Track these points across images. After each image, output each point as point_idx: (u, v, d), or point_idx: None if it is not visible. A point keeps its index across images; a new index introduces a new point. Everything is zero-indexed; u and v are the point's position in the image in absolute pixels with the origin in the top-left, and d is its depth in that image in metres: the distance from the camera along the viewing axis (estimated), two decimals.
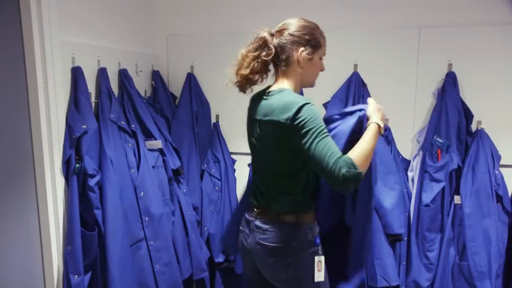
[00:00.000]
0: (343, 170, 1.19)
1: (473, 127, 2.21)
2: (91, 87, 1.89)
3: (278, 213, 1.43)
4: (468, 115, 2.17)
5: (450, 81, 2.17)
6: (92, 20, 1.96)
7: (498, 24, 2.14)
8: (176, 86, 2.58)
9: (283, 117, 1.29)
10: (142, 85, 2.38)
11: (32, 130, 1.65)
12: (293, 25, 1.40)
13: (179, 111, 2.46)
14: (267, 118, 1.36)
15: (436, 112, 2.19)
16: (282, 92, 1.37)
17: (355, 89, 2.25)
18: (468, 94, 2.20)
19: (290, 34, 1.39)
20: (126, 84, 2.09)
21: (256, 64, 1.39)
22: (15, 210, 1.61)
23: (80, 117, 1.73)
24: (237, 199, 2.52)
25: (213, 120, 2.59)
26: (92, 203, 1.71)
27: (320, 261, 1.42)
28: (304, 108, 1.27)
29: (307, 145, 1.24)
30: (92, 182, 1.70)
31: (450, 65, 2.20)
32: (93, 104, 1.87)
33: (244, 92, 1.46)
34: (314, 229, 1.45)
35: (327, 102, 2.31)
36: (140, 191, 1.93)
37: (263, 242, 1.43)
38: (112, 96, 1.95)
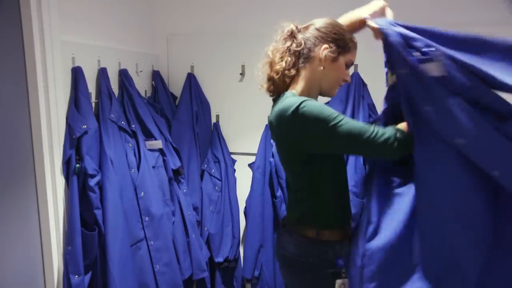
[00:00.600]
0: (398, 134, 1.12)
1: None
2: (91, 87, 1.89)
3: (297, 224, 1.35)
4: None
5: None
6: (92, 20, 1.96)
7: (498, 24, 2.13)
8: (176, 86, 2.58)
9: (280, 124, 1.22)
10: (142, 85, 2.38)
11: (33, 130, 1.65)
12: (321, 21, 1.30)
13: (179, 111, 2.46)
14: (271, 125, 1.30)
15: None
16: (282, 97, 1.27)
17: (355, 89, 2.25)
18: None
19: (316, 29, 1.28)
20: (126, 84, 2.09)
21: (289, 58, 1.28)
22: (16, 210, 1.61)
23: (80, 117, 1.73)
24: (237, 199, 2.52)
25: (213, 120, 2.59)
26: (92, 203, 1.71)
27: (343, 284, 1.30)
28: (302, 109, 1.15)
29: (332, 134, 1.14)
30: (92, 182, 1.70)
31: None
32: (93, 104, 1.87)
33: (278, 95, 1.31)
34: (337, 249, 1.31)
35: (327, 102, 2.31)
36: (140, 191, 1.93)
37: (282, 251, 1.38)
38: (113, 96, 1.95)
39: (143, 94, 2.34)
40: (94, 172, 1.71)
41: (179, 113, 2.45)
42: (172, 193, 2.17)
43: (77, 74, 1.77)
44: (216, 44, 2.51)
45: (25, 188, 1.64)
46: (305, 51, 1.28)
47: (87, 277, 1.74)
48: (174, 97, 2.58)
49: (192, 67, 2.56)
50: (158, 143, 2.10)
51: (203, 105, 2.54)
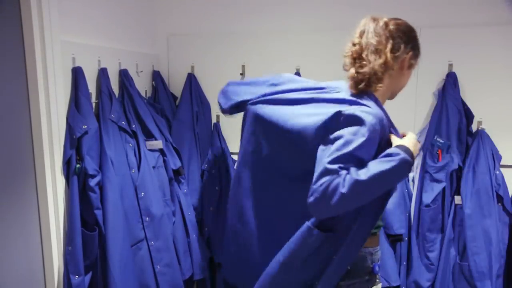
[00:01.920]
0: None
1: (474, 127, 2.21)
2: (92, 87, 1.89)
3: None
4: (468, 115, 2.17)
5: (451, 82, 2.17)
6: (92, 20, 1.96)
7: (498, 24, 2.13)
8: (176, 86, 2.58)
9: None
10: (142, 85, 2.38)
11: (33, 130, 1.64)
12: (403, 23, 1.26)
13: (179, 111, 2.46)
14: None
15: (437, 113, 2.19)
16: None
17: None
18: (469, 94, 2.20)
19: (403, 32, 1.24)
20: (126, 84, 2.09)
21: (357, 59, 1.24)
22: (16, 210, 1.61)
23: (80, 117, 1.73)
24: None
25: (214, 120, 2.58)
26: (93, 203, 1.71)
27: None
28: None
29: None
30: (92, 182, 1.70)
31: (450, 65, 2.20)
32: (93, 104, 1.87)
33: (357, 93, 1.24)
34: (375, 255, 1.29)
35: None
36: (141, 191, 1.93)
37: None
38: (113, 96, 1.95)
39: (143, 94, 2.34)
40: (94, 172, 1.71)
41: (180, 113, 2.45)
42: (172, 193, 2.17)
43: (77, 74, 1.77)
44: (216, 44, 2.51)
45: (25, 188, 1.64)
46: (398, 53, 1.23)
47: (87, 277, 1.74)
48: (175, 97, 2.58)
49: (192, 67, 2.55)
50: (158, 143, 2.10)
51: (204, 105, 2.53)
